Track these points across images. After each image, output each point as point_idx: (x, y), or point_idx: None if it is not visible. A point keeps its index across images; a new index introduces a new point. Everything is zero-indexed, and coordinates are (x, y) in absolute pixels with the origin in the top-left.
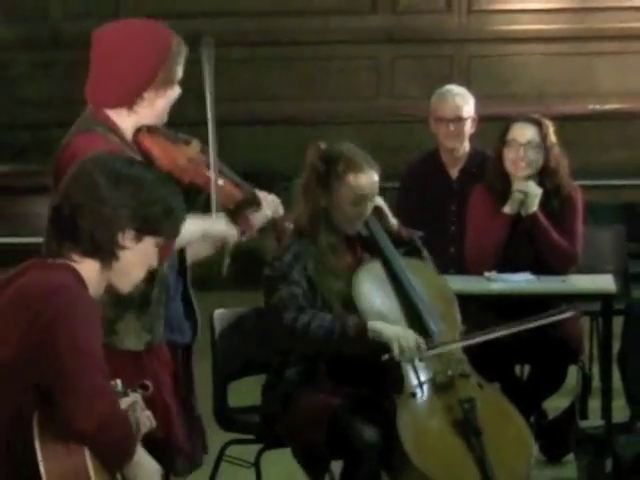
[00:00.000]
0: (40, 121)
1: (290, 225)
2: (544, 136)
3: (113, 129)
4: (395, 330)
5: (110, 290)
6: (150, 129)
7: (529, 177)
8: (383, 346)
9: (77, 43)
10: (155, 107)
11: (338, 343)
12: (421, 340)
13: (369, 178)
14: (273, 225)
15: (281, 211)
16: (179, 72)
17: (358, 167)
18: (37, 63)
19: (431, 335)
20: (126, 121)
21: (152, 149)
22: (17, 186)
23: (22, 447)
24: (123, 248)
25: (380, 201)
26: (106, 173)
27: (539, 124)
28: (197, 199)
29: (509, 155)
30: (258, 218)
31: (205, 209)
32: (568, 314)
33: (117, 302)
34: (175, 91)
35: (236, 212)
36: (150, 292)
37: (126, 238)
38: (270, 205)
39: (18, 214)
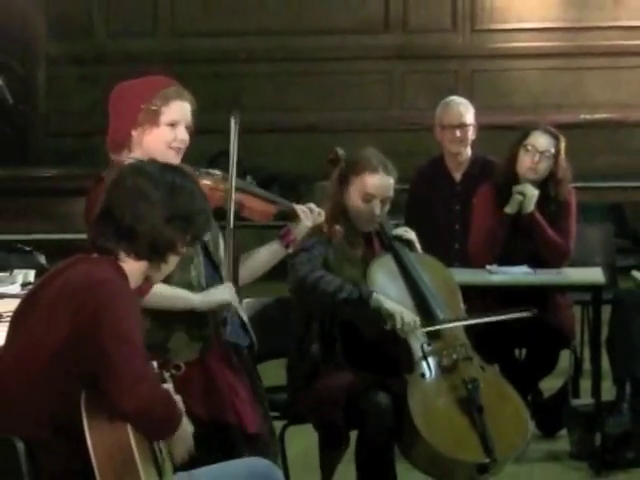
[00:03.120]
0: (84, 130)
1: (340, 228)
2: (558, 150)
3: None
4: (396, 305)
5: (151, 316)
6: None
7: (533, 181)
8: (382, 319)
9: (119, 59)
10: (145, 145)
11: (343, 302)
12: (417, 318)
13: (381, 179)
14: (319, 230)
15: (322, 217)
16: (168, 115)
17: (373, 168)
18: (82, 77)
19: (437, 320)
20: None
21: None
22: (64, 188)
23: (69, 423)
24: (177, 254)
25: (413, 236)
26: (160, 184)
27: (556, 138)
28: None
29: (525, 158)
30: (299, 231)
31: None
32: (525, 314)
33: (160, 325)
34: (164, 132)
35: (276, 225)
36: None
37: (181, 246)
38: (308, 215)
39: (65, 213)
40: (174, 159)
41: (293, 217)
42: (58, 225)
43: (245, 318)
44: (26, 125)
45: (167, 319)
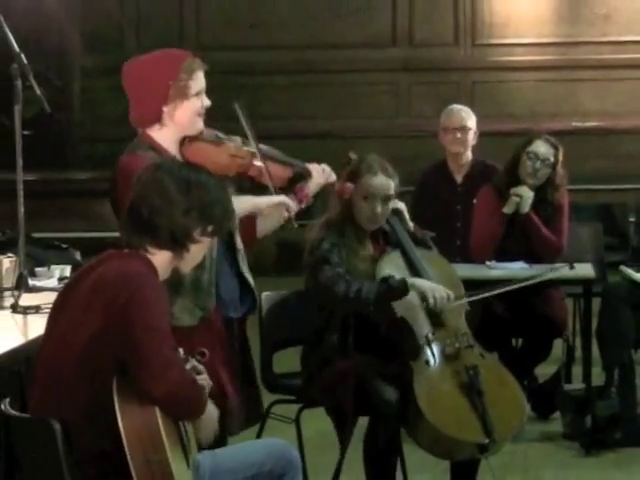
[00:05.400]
0: (116, 136)
1: (351, 185)
2: (557, 160)
3: (154, 147)
4: (429, 284)
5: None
6: (191, 138)
7: (531, 185)
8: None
9: None
10: (177, 118)
11: (387, 301)
12: (450, 292)
13: (381, 180)
14: (331, 188)
15: (333, 177)
16: (195, 86)
17: (373, 170)
18: (113, 87)
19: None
20: (162, 135)
21: (195, 157)
22: (97, 190)
23: (102, 406)
24: (196, 242)
25: (401, 205)
26: (176, 180)
27: (556, 148)
28: (244, 184)
29: (527, 164)
30: (311, 187)
31: (252, 192)
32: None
33: (169, 289)
34: (194, 103)
35: (290, 186)
36: (201, 276)
37: (198, 234)
38: (320, 174)
39: (98, 213)
40: (201, 124)
41: (307, 176)
42: (92, 224)
43: (251, 281)
44: (62, 132)
45: (175, 285)
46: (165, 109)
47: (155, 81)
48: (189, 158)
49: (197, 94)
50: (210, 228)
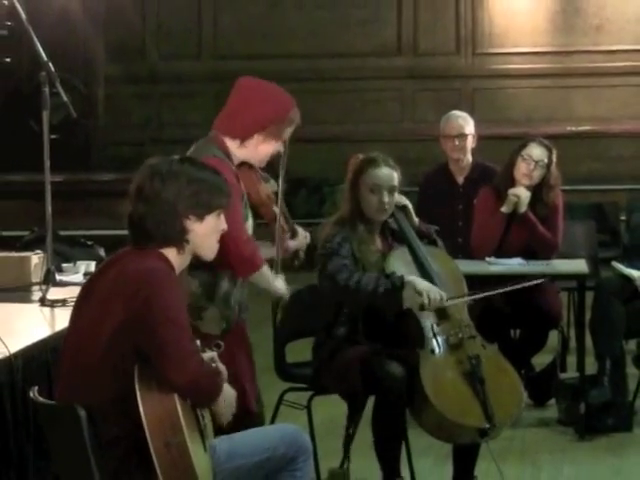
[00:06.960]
0: (138, 140)
1: (302, 254)
2: (550, 161)
3: (227, 155)
4: (425, 284)
5: (203, 283)
6: (250, 165)
7: (527, 186)
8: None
9: (169, 78)
10: (258, 149)
11: (384, 295)
12: (444, 293)
13: (383, 171)
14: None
15: (308, 242)
16: (286, 134)
17: (376, 163)
18: (137, 94)
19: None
20: (236, 152)
21: (246, 181)
22: (121, 190)
23: (124, 393)
24: (190, 232)
25: (406, 202)
26: (151, 178)
27: (550, 150)
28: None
29: (522, 166)
30: (292, 245)
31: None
32: (540, 281)
33: (206, 295)
34: (277, 146)
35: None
36: (231, 291)
37: (190, 224)
38: (303, 239)
39: (122, 212)
40: (264, 163)
41: (294, 235)
42: (115, 222)
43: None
44: (88, 136)
45: (213, 292)
46: (256, 137)
47: (264, 111)
48: (243, 179)
49: (283, 141)
50: (202, 212)
